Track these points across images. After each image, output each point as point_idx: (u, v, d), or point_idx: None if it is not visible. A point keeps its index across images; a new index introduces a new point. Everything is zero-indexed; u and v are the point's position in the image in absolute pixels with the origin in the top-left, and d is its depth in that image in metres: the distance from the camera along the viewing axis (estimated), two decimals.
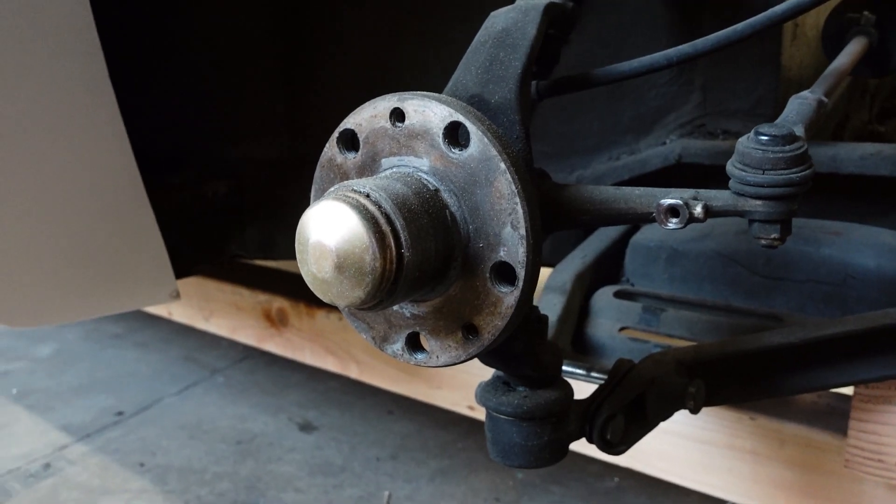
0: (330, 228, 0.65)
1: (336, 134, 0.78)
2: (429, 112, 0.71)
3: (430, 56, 1.54)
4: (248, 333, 2.38)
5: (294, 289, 2.20)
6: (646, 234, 1.34)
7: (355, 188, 0.67)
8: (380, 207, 0.65)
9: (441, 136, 0.70)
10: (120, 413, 2.57)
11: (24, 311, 1.24)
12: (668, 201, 0.77)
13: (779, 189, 0.76)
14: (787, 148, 0.76)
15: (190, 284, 2.38)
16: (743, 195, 0.78)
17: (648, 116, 1.45)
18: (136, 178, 1.36)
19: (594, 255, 1.34)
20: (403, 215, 0.66)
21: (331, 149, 0.79)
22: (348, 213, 0.64)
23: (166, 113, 1.56)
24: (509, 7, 0.88)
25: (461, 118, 0.69)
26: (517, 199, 0.68)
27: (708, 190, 0.81)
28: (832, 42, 1.18)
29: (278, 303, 2.23)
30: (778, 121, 0.84)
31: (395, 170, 0.74)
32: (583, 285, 1.29)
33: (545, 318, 0.91)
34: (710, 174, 1.33)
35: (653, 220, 0.80)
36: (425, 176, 0.72)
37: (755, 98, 1.36)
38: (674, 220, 0.78)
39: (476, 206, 0.70)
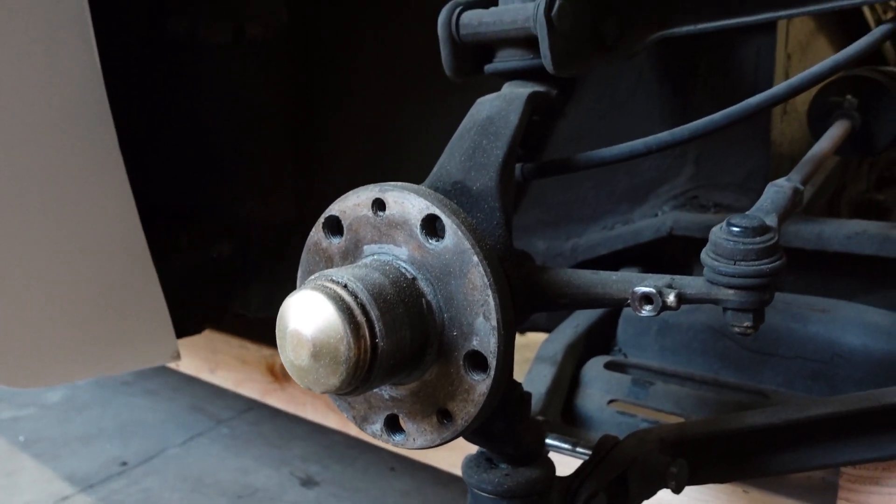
0: (307, 318, 0.67)
1: (322, 220, 0.81)
2: (407, 204, 0.74)
3: (431, 122, 1.58)
4: (252, 387, 2.40)
5: None
6: None
7: (334, 278, 0.70)
8: (356, 298, 0.68)
9: (419, 227, 0.73)
10: (124, 463, 2.59)
11: (25, 371, 1.27)
12: (641, 289, 0.79)
13: (750, 280, 0.77)
14: (759, 240, 0.78)
15: (197, 336, 2.41)
16: (716, 284, 0.79)
17: (643, 187, 1.48)
18: (140, 240, 1.40)
19: (587, 324, 1.36)
20: (379, 305, 0.69)
21: (317, 233, 0.82)
22: (325, 304, 0.67)
23: (175, 173, 1.61)
24: (495, 95, 0.92)
25: (437, 211, 0.72)
26: (489, 292, 0.70)
27: (683, 277, 0.83)
28: (818, 122, 1.21)
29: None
30: (752, 210, 0.86)
31: (375, 257, 0.77)
32: (575, 355, 1.31)
33: (528, 395, 0.93)
34: (701, 246, 1.34)
35: (629, 306, 0.82)
36: (403, 264, 0.75)
37: (746, 172, 1.39)
38: (647, 307, 0.80)
39: (451, 296, 0.73)
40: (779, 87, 0.92)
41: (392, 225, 0.75)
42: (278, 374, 2.28)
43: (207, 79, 1.58)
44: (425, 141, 1.63)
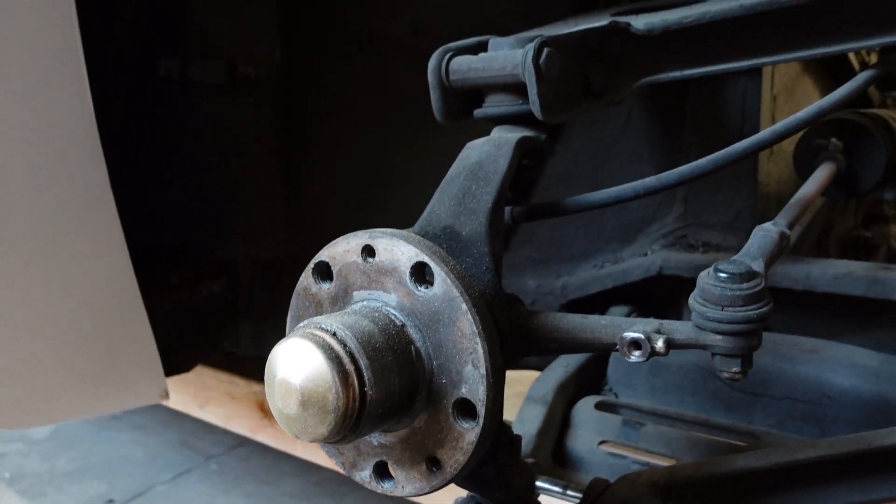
0: (295, 367, 0.67)
1: (311, 265, 0.82)
2: (397, 251, 0.74)
3: (422, 161, 1.59)
4: (242, 423, 2.38)
5: None
6: None
7: (322, 326, 0.70)
8: (345, 346, 0.68)
9: (408, 274, 0.74)
10: (111, 501, 2.55)
11: (11, 412, 1.26)
12: (630, 335, 0.80)
13: (737, 325, 0.78)
14: (746, 286, 0.78)
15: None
16: (704, 329, 0.80)
17: (632, 226, 1.49)
18: (130, 279, 1.39)
19: (578, 363, 1.36)
20: (368, 354, 0.69)
21: (306, 279, 0.82)
22: (313, 352, 0.67)
23: (166, 212, 1.61)
24: (484, 140, 0.92)
25: (426, 259, 0.73)
26: (478, 340, 0.70)
27: (672, 322, 0.83)
28: (803, 164, 1.23)
29: None
30: (739, 254, 0.86)
31: (364, 303, 0.77)
32: (565, 395, 1.30)
33: (518, 439, 0.93)
34: (690, 286, 1.35)
35: (618, 351, 0.82)
36: (393, 311, 0.75)
37: (734, 212, 1.40)
38: (636, 352, 0.80)
39: (440, 343, 0.73)
40: (763, 133, 0.93)
41: (381, 271, 0.76)
42: (268, 411, 2.26)
43: (199, 117, 1.59)
44: (417, 180, 1.64)
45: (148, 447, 2.99)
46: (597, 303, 1.51)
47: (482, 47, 1.00)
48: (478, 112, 0.98)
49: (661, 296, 1.45)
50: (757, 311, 0.78)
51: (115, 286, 1.38)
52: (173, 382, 1.58)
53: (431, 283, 0.73)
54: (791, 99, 1.47)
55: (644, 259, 1.40)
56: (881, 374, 1.11)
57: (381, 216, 1.69)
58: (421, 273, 0.74)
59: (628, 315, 1.48)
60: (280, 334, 1.80)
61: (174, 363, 1.58)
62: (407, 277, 0.74)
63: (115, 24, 1.47)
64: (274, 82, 1.59)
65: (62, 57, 1.21)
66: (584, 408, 1.29)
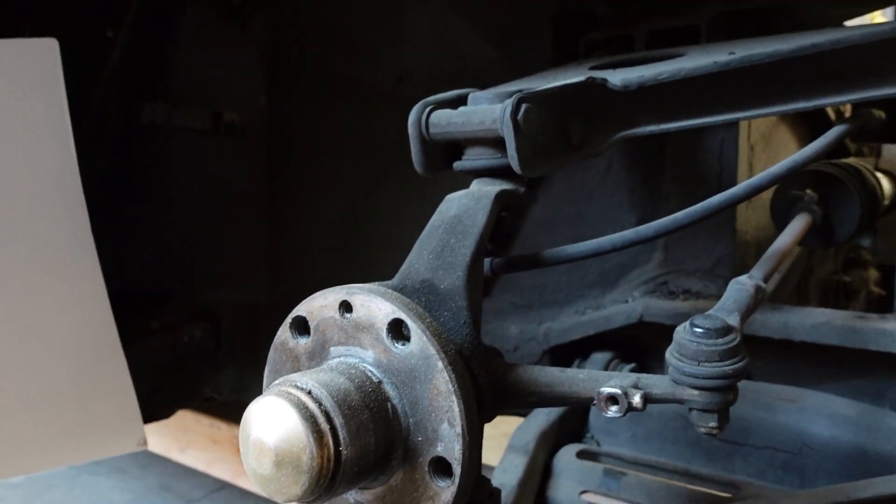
0: (270, 426, 0.67)
1: (289, 319, 0.82)
2: (374, 307, 0.74)
3: (404, 209, 1.60)
4: (224, 468, 2.35)
5: None
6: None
7: (298, 384, 0.70)
8: (320, 405, 0.68)
9: (385, 330, 0.74)
10: None
11: None
12: (607, 390, 0.80)
13: (714, 381, 0.78)
14: (721, 341, 0.79)
15: None
16: (681, 384, 0.80)
17: (613, 272, 1.50)
18: (110, 326, 1.39)
19: (559, 410, 1.35)
20: (343, 412, 0.69)
21: (283, 333, 0.82)
22: (288, 412, 0.67)
23: (149, 258, 1.61)
24: (463, 192, 0.93)
25: (403, 316, 0.73)
26: (454, 398, 0.70)
27: (650, 376, 0.84)
28: (780, 214, 1.24)
29: None
30: (715, 308, 0.87)
31: (341, 359, 0.77)
32: (547, 443, 1.30)
33: (497, 493, 0.92)
34: (671, 333, 1.36)
35: (596, 405, 0.82)
36: (370, 367, 0.75)
37: (714, 259, 1.41)
38: (614, 407, 0.80)
39: (416, 400, 0.72)
40: (739, 188, 0.95)
41: (359, 327, 0.76)
42: None
43: (183, 163, 1.60)
44: (400, 228, 1.65)
45: (127, 491, 2.94)
46: (579, 348, 1.51)
47: (462, 101, 1.02)
48: (457, 164, 0.99)
49: (642, 342, 1.45)
50: (733, 367, 0.78)
51: (95, 334, 1.37)
52: (154, 425, 1.56)
53: (408, 339, 0.73)
54: (768, 148, 1.50)
55: (625, 306, 1.41)
56: (859, 424, 1.12)
57: (363, 263, 1.70)
58: (398, 330, 0.74)
59: (610, 361, 1.49)
60: (260, 379, 1.79)
61: (154, 410, 1.56)
62: (384, 334, 0.74)
63: (102, 71, 1.48)
64: (258, 129, 1.61)
65: (46, 105, 1.22)
66: (566, 456, 1.28)
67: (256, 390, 1.78)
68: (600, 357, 1.49)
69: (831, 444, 1.12)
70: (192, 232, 1.62)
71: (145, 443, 1.43)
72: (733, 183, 1.39)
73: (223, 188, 1.62)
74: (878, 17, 2.16)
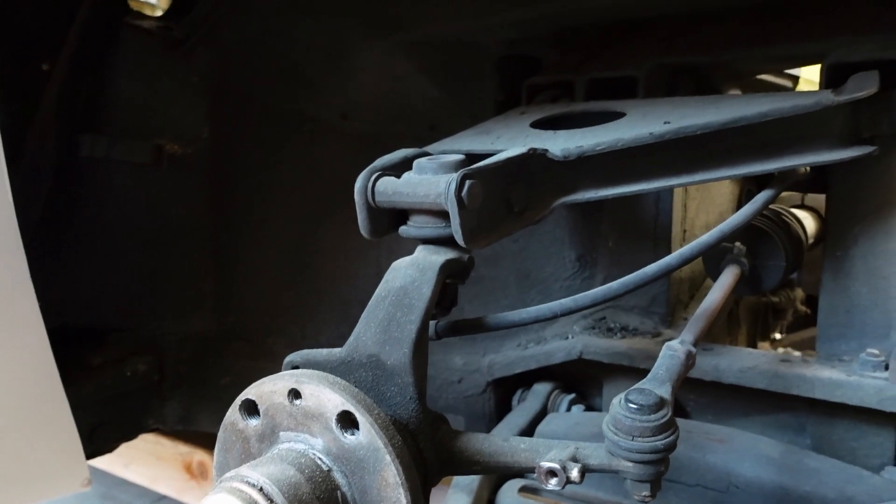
0: None
1: (238, 401, 0.83)
2: (323, 398, 0.77)
3: (348, 241, 1.62)
4: (168, 484, 2.34)
5: (214, 441, 2.19)
6: (550, 426, 1.41)
7: (248, 480, 0.71)
8: (271, 502, 0.70)
9: (334, 421, 0.76)
10: None
11: None
12: (546, 465, 0.84)
13: (646, 455, 0.83)
14: (654, 417, 0.84)
15: None
16: (617, 455, 0.85)
17: None
18: (50, 364, 1.37)
19: None
20: None
21: (233, 413, 0.84)
22: None
23: (91, 292, 1.59)
24: (409, 261, 0.95)
25: (352, 408, 0.75)
26: (401, 490, 0.73)
27: (587, 446, 0.88)
28: (712, 264, 1.30)
29: (199, 456, 2.21)
30: (649, 376, 0.92)
31: (291, 444, 0.79)
32: (491, 479, 1.34)
33: None
34: (608, 370, 1.42)
35: (535, 476, 0.86)
36: (319, 455, 0.77)
37: (650, 297, 1.47)
38: (553, 480, 0.85)
39: (365, 490, 0.75)
40: (672, 257, 0.99)
41: (308, 415, 0.78)
42: (195, 473, 2.24)
43: (124, 195, 1.58)
44: (345, 259, 1.66)
45: (66, 500, 2.89)
46: (522, 379, 1.56)
47: (407, 163, 1.04)
48: (403, 230, 1.01)
49: (582, 374, 1.51)
50: (664, 441, 0.84)
51: (35, 376, 1.36)
52: None
53: (358, 428, 0.76)
54: (703, 189, 1.56)
55: (566, 342, 1.46)
56: (782, 465, 1.19)
57: (310, 294, 1.71)
58: (347, 420, 0.76)
59: (552, 391, 1.54)
60: (206, 410, 1.79)
61: (98, 445, 1.55)
62: (333, 424, 0.76)
63: (39, 105, 1.45)
64: (202, 160, 1.60)
65: None
66: (509, 492, 1.33)
67: (202, 419, 1.78)
68: (542, 387, 1.55)
69: (756, 484, 1.18)
70: (135, 264, 1.60)
71: (90, 483, 1.43)
72: (668, 223, 1.46)
73: (166, 219, 1.60)
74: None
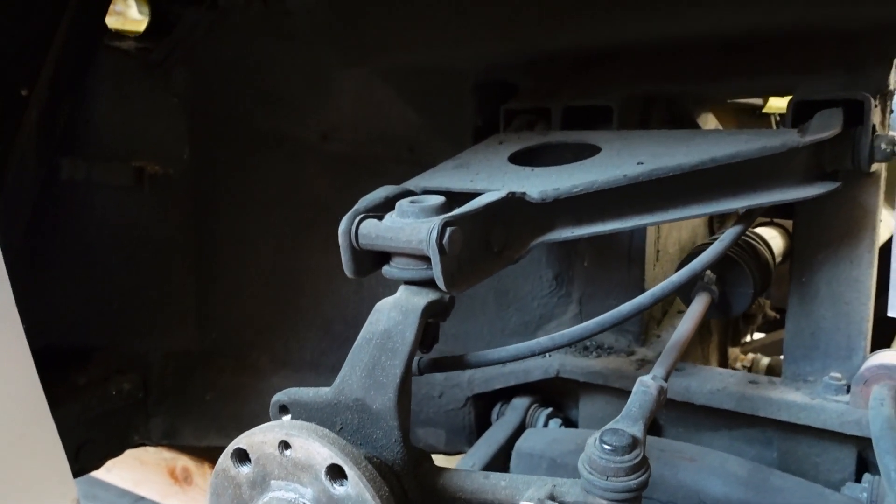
0: None
1: (230, 450, 0.86)
2: (312, 450, 0.80)
3: (331, 258, 1.64)
4: (152, 488, 2.37)
5: (198, 448, 2.22)
6: (528, 442, 1.45)
7: None
8: None
9: (323, 473, 0.79)
10: None
11: None
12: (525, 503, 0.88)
13: (620, 493, 0.87)
14: (627, 458, 0.88)
15: None
16: (592, 493, 0.89)
17: (532, 323, 1.59)
18: (35, 384, 1.38)
19: (483, 461, 1.44)
20: None
21: (225, 461, 0.87)
22: None
23: (74, 312, 1.60)
24: (392, 303, 0.99)
25: (340, 462, 0.79)
26: None
27: (564, 481, 0.93)
28: (683, 291, 1.35)
29: (183, 461, 2.24)
30: (622, 414, 0.96)
31: (282, 493, 0.82)
32: None
33: None
34: (584, 387, 1.47)
35: None
36: None
37: None
38: None
39: None
40: (644, 297, 1.03)
41: (298, 466, 0.81)
42: (179, 478, 2.26)
43: (106, 216, 1.59)
44: (326, 278, 1.69)
45: None
46: (501, 393, 1.61)
47: (390, 204, 1.07)
48: (386, 271, 1.04)
49: (559, 389, 1.56)
50: (637, 481, 0.88)
51: (21, 398, 1.37)
52: None
53: (346, 479, 0.79)
54: None
55: (543, 361, 1.50)
56: (749, 482, 1.24)
57: (292, 310, 1.74)
58: (336, 472, 0.80)
59: (531, 405, 1.59)
60: (191, 424, 1.81)
61: (83, 463, 1.58)
62: (322, 475, 0.80)
63: (19, 129, 1.45)
64: (183, 180, 1.61)
65: None
66: None
67: (186, 434, 1.81)
68: (521, 402, 1.59)
69: (724, 501, 1.24)
70: (118, 284, 1.61)
71: (77, 503, 1.45)
72: (643, 244, 1.50)
73: (148, 239, 1.61)
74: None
